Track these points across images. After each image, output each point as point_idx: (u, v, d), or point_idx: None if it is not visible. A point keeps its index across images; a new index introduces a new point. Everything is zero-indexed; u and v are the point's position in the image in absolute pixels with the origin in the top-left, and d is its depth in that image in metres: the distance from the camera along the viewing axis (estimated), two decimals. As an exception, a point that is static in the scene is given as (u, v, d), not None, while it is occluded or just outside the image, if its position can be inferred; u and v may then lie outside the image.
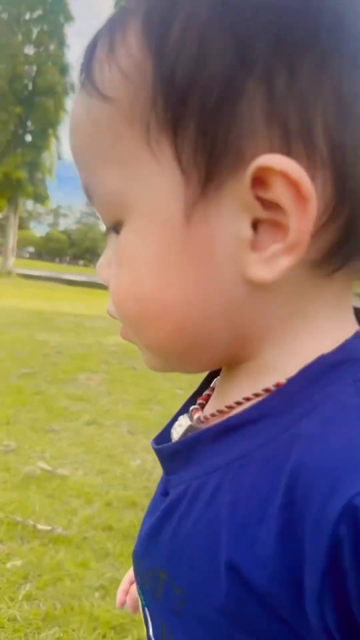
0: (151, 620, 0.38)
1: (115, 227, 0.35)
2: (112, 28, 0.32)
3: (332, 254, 0.31)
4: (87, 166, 0.35)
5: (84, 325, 7.94)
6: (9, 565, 1.78)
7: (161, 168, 0.31)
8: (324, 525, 0.25)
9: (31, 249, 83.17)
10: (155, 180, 0.31)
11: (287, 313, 0.33)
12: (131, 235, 0.33)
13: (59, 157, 24.88)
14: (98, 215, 0.36)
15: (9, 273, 21.10)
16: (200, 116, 0.29)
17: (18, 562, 1.80)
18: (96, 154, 0.33)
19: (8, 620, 1.53)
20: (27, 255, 78.46)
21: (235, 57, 0.28)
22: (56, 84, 22.63)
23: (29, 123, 23.38)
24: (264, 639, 0.29)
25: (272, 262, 0.30)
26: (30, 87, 23.11)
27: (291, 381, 0.31)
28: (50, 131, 23.48)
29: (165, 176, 0.31)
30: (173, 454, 0.37)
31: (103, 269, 0.37)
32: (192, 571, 0.32)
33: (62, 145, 24.59)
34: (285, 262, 0.30)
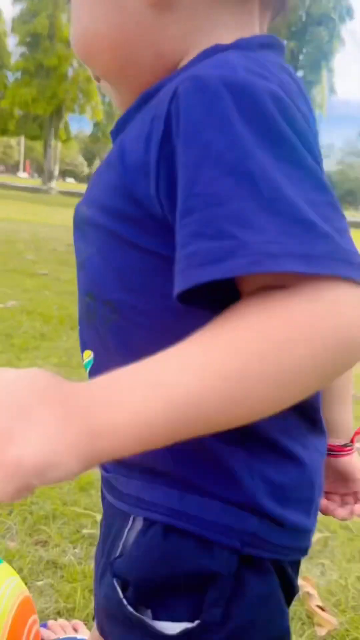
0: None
1: None
2: None
3: None
4: None
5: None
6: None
7: None
8: (163, 108, 0.40)
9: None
10: None
11: (190, 30, 0.46)
12: None
13: (332, 91, 23.60)
14: None
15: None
16: None
17: None
18: None
19: (340, 527, 1.52)
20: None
21: None
22: (331, 10, 21.16)
23: (300, 57, 22.62)
24: (132, 224, 0.44)
25: None
26: (303, 17, 22.14)
27: (189, 61, 0.46)
28: (323, 63, 22.33)
29: None
30: None
31: None
32: (102, 184, 0.48)
33: (336, 78, 23.19)
34: None
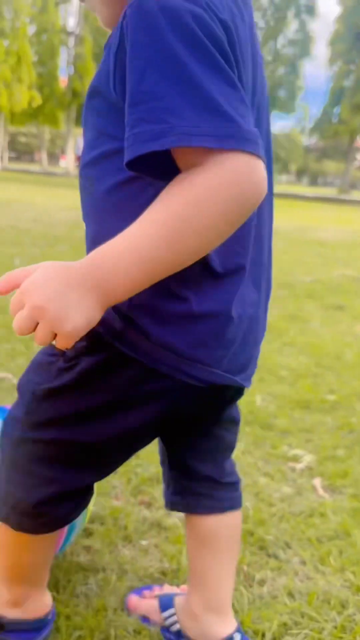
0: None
1: None
2: None
3: None
4: None
5: None
6: None
7: None
8: (119, 25, 0.57)
9: None
10: None
11: None
12: None
13: None
14: None
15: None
16: None
17: None
18: None
19: None
20: None
21: None
22: None
23: None
24: (104, 117, 0.64)
25: None
26: None
27: None
28: None
29: None
30: None
31: None
32: (90, 89, 0.66)
33: None
34: None
